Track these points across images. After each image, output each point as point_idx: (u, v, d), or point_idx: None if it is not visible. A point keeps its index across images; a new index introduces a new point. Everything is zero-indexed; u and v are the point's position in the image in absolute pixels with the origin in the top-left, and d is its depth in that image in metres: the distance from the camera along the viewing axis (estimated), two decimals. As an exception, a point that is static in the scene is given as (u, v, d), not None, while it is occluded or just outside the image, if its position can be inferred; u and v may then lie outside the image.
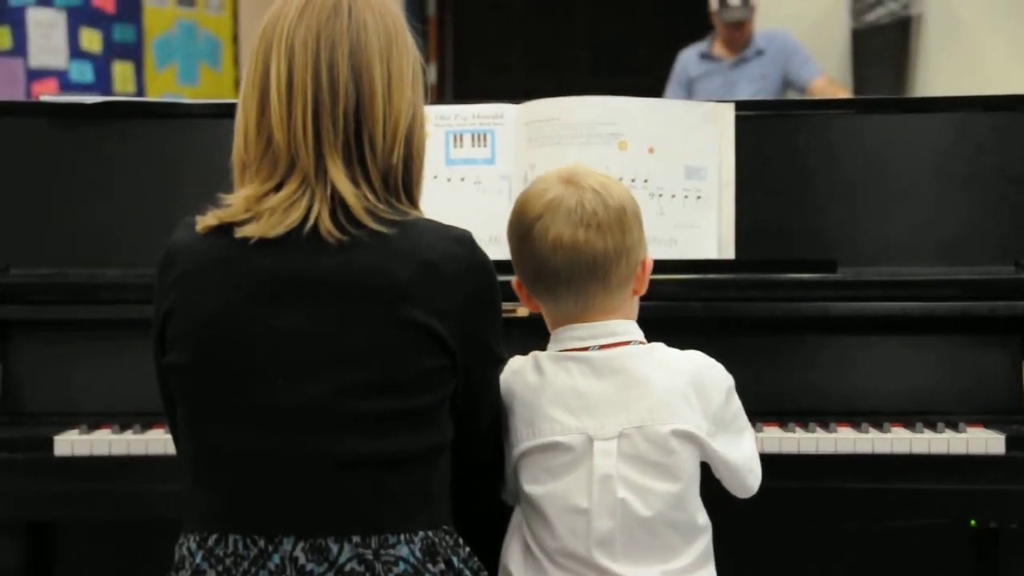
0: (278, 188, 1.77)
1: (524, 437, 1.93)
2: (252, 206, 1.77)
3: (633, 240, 1.95)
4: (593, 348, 1.94)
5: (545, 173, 2.02)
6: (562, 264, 1.92)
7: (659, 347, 1.97)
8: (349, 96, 1.77)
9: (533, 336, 2.07)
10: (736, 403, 1.98)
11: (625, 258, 1.94)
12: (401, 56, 1.82)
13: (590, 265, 1.92)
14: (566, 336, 1.97)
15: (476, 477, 1.96)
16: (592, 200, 1.92)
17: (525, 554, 1.94)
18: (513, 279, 2.03)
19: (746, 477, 1.99)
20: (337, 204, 1.75)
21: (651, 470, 1.89)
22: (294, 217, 1.74)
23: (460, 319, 1.78)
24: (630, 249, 1.94)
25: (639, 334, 1.97)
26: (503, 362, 1.94)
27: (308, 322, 1.74)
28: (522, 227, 1.96)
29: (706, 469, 1.96)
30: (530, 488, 1.92)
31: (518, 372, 1.97)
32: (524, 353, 2.01)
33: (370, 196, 1.77)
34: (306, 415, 1.74)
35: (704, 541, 1.94)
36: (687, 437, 1.90)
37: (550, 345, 1.99)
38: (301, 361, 1.74)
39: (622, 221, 1.93)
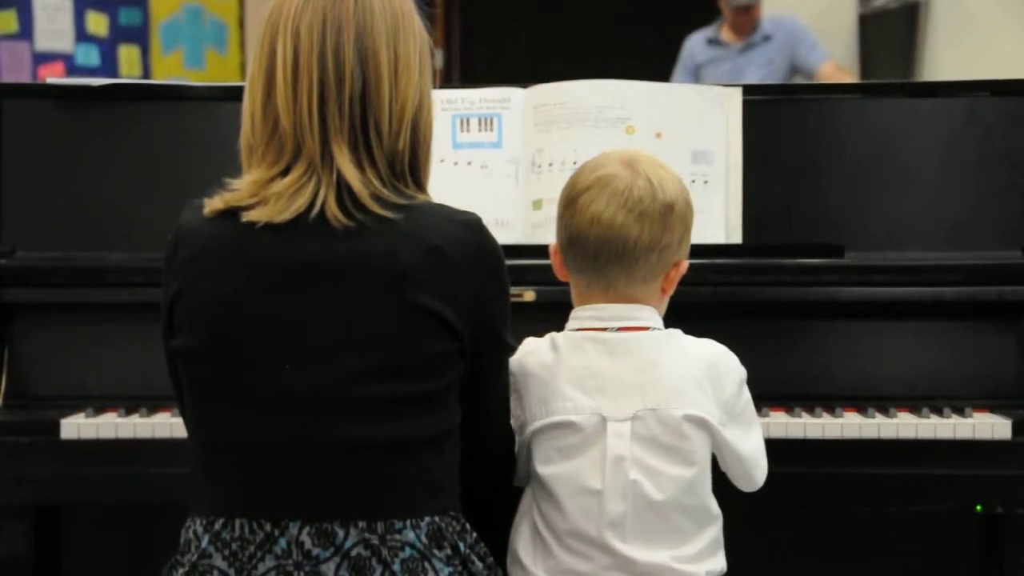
0: (284, 173, 1.76)
1: (537, 415, 1.93)
2: (259, 191, 1.76)
3: (672, 239, 1.93)
4: (611, 329, 1.94)
5: (611, 150, 2.02)
6: (594, 240, 1.92)
7: (676, 333, 1.97)
8: (355, 81, 1.76)
9: (540, 321, 2.06)
10: (747, 395, 1.98)
11: (657, 254, 1.93)
12: (408, 40, 1.81)
13: (619, 249, 1.91)
14: (585, 315, 1.97)
15: (484, 462, 1.95)
16: (642, 188, 1.91)
17: (534, 537, 1.94)
18: (551, 244, 2.02)
19: (753, 470, 1.99)
20: (343, 190, 1.74)
21: (664, 453, 1.89)
22: (300, 202, 1.74)
23: (468, 304, 1.78)
24: (666, 247, 1.93)
25: (659, 324, 1.97)
26: (511, 347, 1.93)
27: (315, 307, 1.74)
28: (570, 194, 1.96)
29: (713, 459, 1.96)
30: (542, 468, 1.92)
31: (533, 352, 1.97)
32: (530, 337, 2.01)
33: (376, 182, 1.76)
34: (313, 400, 1.73)
35: (715, 529, 1.94)
36: (699, 423, 1.90)
37: (569, 323, 1.99)
38: (308, 346, 1.74)
39: (665, 217, 1.92)
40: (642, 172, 1.93)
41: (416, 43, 1.83)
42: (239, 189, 1.78)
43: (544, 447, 1.93)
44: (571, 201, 1.95)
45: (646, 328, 1.94)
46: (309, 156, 1.75)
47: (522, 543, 1.95)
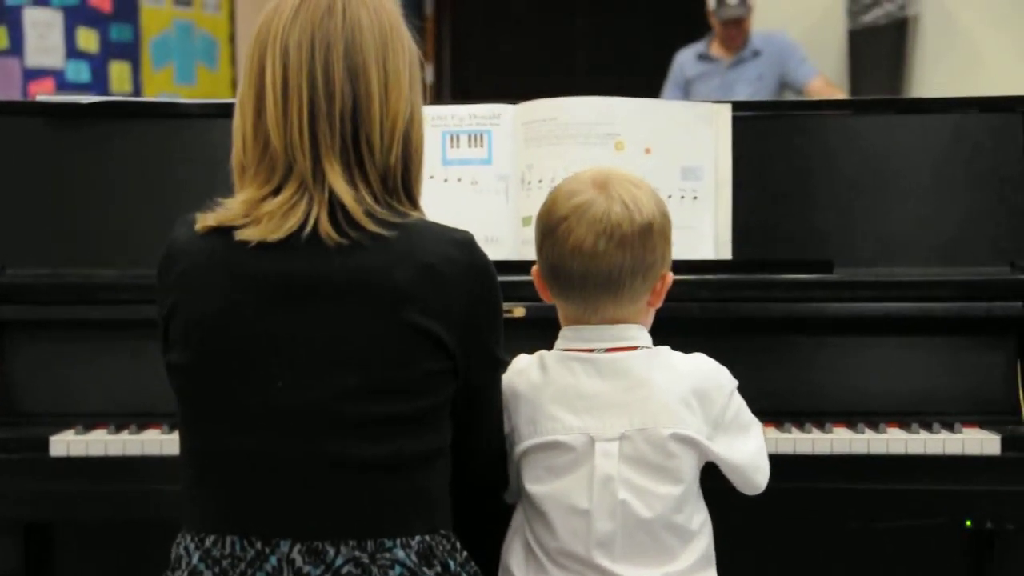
0: (276, 192, 1.76)
1: (526, 435, 1.93)
2: (250, 210, 1.76)
3: (655, 257, 1.93)
4: (599, 350, 1.94)
5: (581, 171, 2.01)
6: (577, 269, 1.91)
7: (664, 350, 1.97)
8: (345, 98, 1.76)
9: (530, 337, 2.06)
10: (737, 403, 1.97)
11: (642, 275, 1.92)
12: (398, 55, 1.81)
13: (605, 276, 1.91)
14: (573, 336, 1.97)
15: (477, 480, 1.96)
16: (619, 213, 1.90)
17: (526, 553, 1.94)
18: (533, 268, 2.02)
19: (753, 475, 1.99)
20: (336, 208, 1.74)
21: (652, 472, 1.89)
22: (293, 222, 1.73)
23: (460, 322, 1.78)
24: (650, 266, 1.93)
25: (647, 341, 1.97)
26: (504, 364, 1.93)
27: (307, 325, 1.73)
28: (547, 223, 1.95)
29: (708, 467, 1.96)
30: (531, 487, 1.92)
31: (522, 371, 1.97)
32: (520, 353, 2.01)
33: (368, 199, 1.76)
34: (304, 418, 1.73)
35: (702, 544, 1.94)
36: (687, 441, 1.90)
37: (557, 343, 1.99)
38: (300, 364, 1.73)
39: (646, 238, 1.91)
40: (616, 196, 1.92)
41: (405, 57, 1.83)
42: (230, 208, 1.78)
43: (534, 466, 1.93)
44: (549, 231, 1.94)
45: (634, 348, 1.94)
46: (301, 175, 1.75)
47: (515, 559, 1.95)
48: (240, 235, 1.75)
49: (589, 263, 1.90)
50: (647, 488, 1.88)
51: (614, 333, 1.94)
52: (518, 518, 1.98)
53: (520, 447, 1.94)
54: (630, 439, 1.89)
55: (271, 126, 1.76)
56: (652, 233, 1.92)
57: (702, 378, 1.94)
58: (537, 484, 1.92)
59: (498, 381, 1.93)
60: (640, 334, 1.96)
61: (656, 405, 1.89)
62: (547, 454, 1.92)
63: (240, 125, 1.81)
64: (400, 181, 1.81)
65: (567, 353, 1.96)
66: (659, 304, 2.00)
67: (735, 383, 1.97)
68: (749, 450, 1.98)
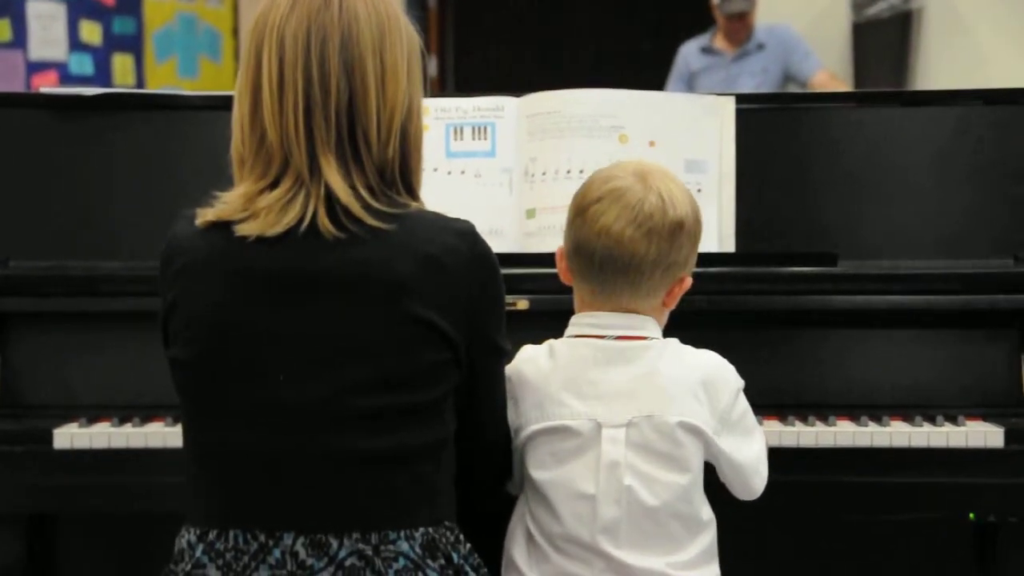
0: (273, 186, 1.76)
1: (533, 420, 1.94)
2: (248, 204, 1.76)
3: (679, 256, 1.94)
4: (609, 337, 1.94)
5: (626, 160, 2.02)
6: (601, 252, 1.92)
7: (673, 343, 1.97)
8: (341, 92, 1.75)
9: (534, 329, 2.06)
10: (743, 404, 1.98)
11: (663, 270, 1.93)
12: (395, 47, 1.80)
13: (626, 264, 1.91)
14: (585, 322, 1.97)
15: (481, 470, 1.96)
16: (653, 204, 1.91)
17: (528, 541, 1.94)
18: (558, 248, 2.03)
19: (751, 478, 1.99)
20: (334, 202, 1.74)
21: (658, 460, 1.89)
22: (291, 216, 1.73)
23: (462, 312, 1.77)
24: (672, 264, 1.93)
25: (657, 335, 1.97)
26: (507, 354, 1.93)
27: (309, 319, 1.73)
28: (581, 203, 1.96)
29: (710, 465, 1.96)
30: (536, 473, 1.93)
31: (531, 359, 1.98)
32: (525, 346, 2.01)
33: (365, 193, 1.75)
34: (308, 412, 1.73)
35: (708, 537, 1.95)
36: (693, 431, 1.90)
37: (568, 329, 1.99)
38: (303, 358, 1.73)
39: (674, 235, 1.92)
40: (654, 187, 1.93)
41: (403, 49, 1.82)
42: (228, 203, 1.77)
43: (539, 452, 1.93)
44: (582, 210, 1.95)
45: (644, 338, 1.95)
46: (297, 169, 1.74)
47: (517, 548, 1.96)
48: (239, 230, 1.74)
49: (614, 247, 1.91)
50: (653, 475, 1.89)
51: (625, 322, 1.95)
52: (520, 507, 1.98)
53: (525, 432, 1.94)
54: (637, 426, 1.89)
55: (267, 119, 1.75)
56: (682, 232, 1.93)
57: (711, 371, 1.94)
58: (542, 470, 1.92)
59: (501, 370, 1.93)
60: (651, 326, 1.97)
61: (664, 394, 1.90)
62: (553, 439, 1.92)
63: (238, 117, 1.80)
64: (398, 174, 1.81)
65: (577, 339, 1.96)
66: (673, 306, 2.00)
67: (742, 383, 1.98)
68: (752, 452, 1.99)
